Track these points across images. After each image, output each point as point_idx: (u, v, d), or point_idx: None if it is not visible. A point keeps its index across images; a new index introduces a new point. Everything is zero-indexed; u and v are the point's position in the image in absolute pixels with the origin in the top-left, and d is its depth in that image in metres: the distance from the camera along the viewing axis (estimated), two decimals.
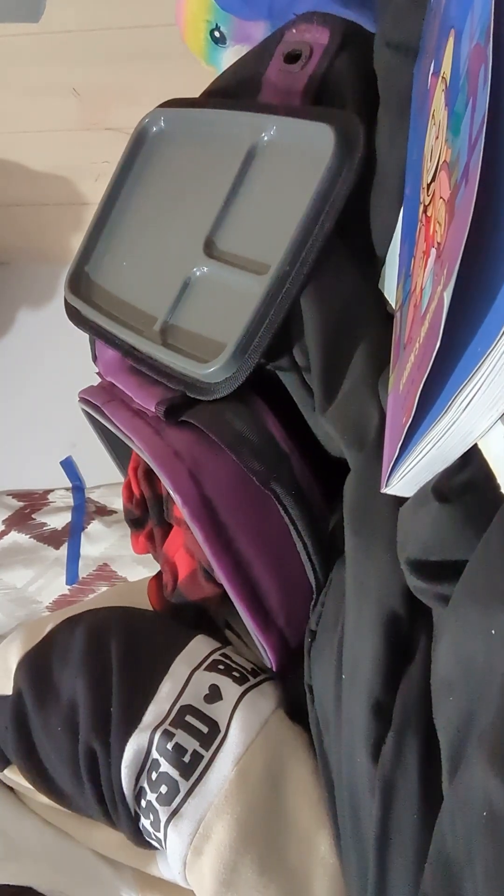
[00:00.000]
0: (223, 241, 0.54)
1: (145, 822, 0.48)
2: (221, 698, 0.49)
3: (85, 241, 0.61)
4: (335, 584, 0.47)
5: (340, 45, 0.54)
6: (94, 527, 1.34)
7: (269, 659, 0.51)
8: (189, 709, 0.48)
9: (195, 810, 0.45)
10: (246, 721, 0.48)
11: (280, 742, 0.48)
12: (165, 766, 0.46)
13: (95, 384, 0.62)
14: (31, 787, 0.53)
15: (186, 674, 0.50)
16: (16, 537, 1.35)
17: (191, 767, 0.46)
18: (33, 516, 1.36)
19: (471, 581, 0.32)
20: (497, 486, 0.31)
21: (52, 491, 1.39)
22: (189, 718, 0.48)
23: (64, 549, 1.33)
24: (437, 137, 0.39)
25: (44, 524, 1.35)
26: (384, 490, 0.36)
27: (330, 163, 0.47)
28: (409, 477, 0.34)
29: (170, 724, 0.48)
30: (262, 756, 0.47)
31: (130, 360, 0.56)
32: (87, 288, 0.61)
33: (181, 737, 0.47)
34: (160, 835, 0.47)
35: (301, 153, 0.50)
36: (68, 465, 1.40)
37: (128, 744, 0.47)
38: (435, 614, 0.39)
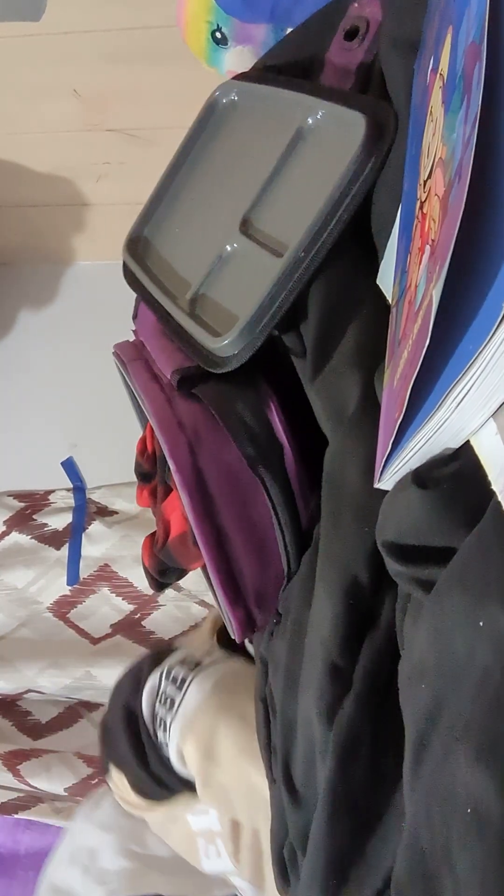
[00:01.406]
0: (257, 220, 0.55)
1: (161, 735, 0.70)
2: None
3: (147, 205, 0.63)
4: (300, 573, 0.51)
5: None
6: (95, 527, 1.34)
7: (233, 630, 0.55)
8: (179, 661, 0.72)
9: (185, 711, 0.68)
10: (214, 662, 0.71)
11: (236, 680, 0.70)
12: (166, 689, 0.70)
13: (130, 340, 0.65)
14: (139, 802, 0.75)
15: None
16: (17, 538, 1.35)
17: (179, 687, 0.69)
18: (34, 517, 1.36)
19: (461, 572, 0.32)
20: (485, 481, 0.31)
21: (52, 492, 1.39)
22: (178, 665, 0.72)
23: (65, 550, 1.33)
24: (434, 134, 0.39)
25: (45, 525, 1.35)
26: (377, 485, 0.36)
27: (357, 152, 0.47)
28: (401, 472, 0.34)
29: (168, 668, 0.72)
30: (230, 681, 0.69)
31: (164, 325, 0.58)
32: (143, 250, 0.63)
33: (175, 670, 0.71)
34: (168, 735, 0.69)
35: (338, 140, 0.50)
36: (69, 466, 1.40)
37: (147, 682, 0.71)
38: (402, 596, 0.40)
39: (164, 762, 0.70)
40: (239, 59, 0.81)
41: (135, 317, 0.68)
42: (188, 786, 0.70)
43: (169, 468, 0.60)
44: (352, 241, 0.49)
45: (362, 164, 0.47)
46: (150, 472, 0.65)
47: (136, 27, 1.08)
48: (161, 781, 0.71)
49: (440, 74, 0.39)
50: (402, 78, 0.49)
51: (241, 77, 0.61)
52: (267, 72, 0.61)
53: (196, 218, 0.60)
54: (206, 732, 0.66)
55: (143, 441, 0.65)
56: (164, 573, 0.62)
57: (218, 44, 0.82)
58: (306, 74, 0.58)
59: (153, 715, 0.70)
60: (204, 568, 0.60)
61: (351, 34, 0.56)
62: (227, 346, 0.51)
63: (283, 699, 0.49)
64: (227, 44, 0.82)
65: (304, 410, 0.52)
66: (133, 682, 0.73)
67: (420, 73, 0.46)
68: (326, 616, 0.43)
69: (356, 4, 0.57)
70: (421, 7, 0.47)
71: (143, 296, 0.61)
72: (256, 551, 0.52)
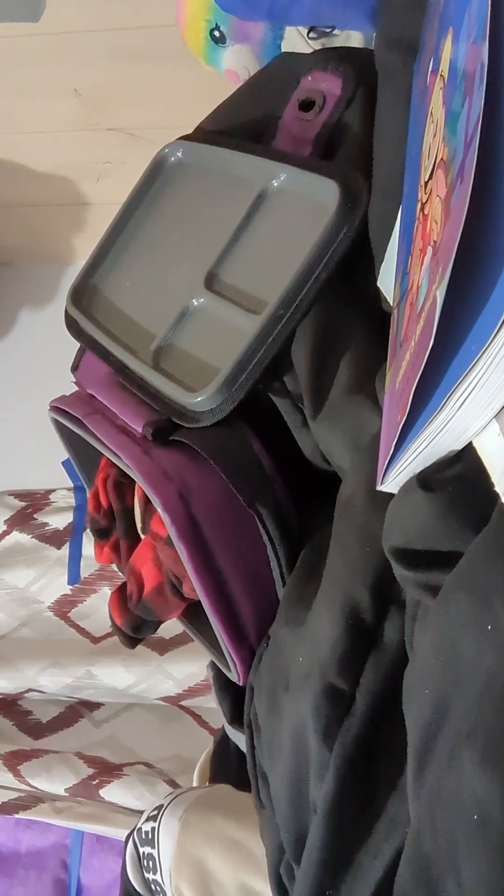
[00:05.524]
0: (224, 277, 0.55)
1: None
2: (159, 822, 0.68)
3: (93, 256, 0.62)
4: (286, 596, 0.51)
5: (352, 95, 0.55)
6: None
7: (236, 673, 0.54)
8: (147, 816, 0.69)
9: (165, 861, 0.65)
10: (170, 817, 0.66)
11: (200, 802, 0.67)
12: (143, 850, 0.66)
13: (69, 394, 0.63)
14: None
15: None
16: (18, 537, 1.35)
17: (152, 842, 0.66)
18: (35, 516, 1.36)
19: (469, 575, 0.32)
20: (488, 483, 0.31)
21: (53, 491, 1.39)
22: (145, 821, 0.68)
23: (65, 549, 1.33)
24: (434, 135, 0.39)
25: (45, 524, 1.36)
26: (379, 487, 0.36)
27: (332, 219, 0.49)
28: (404, 475, 0.34)
29: (137, 828, 0.69)
30: (194, 812, 0.65)
31: (121, 377, 0.57)
32: (89, 300, 0.62)
33: (143, 826, 0.68)
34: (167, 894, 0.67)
35: (307, 204, 0.52)
36: (70, 466, 1.40)
37: (126, 855, 0.69)
38: (412, 603, 0.40)
39: None
40: (237, 57, 0.81)
41: (74, 368, 0.66)
42: None
43: (130, 519, 0.60)
44: (334, 273, 0.50)
45: (336, 230, 0.49)
46: (108, 528, 0.63)
47: (136, 27, 1.08)
48: None
49: (441, 75, 0.39)
50: (396, 77, 0.49)
51: (189, 137, 0.62)
52: (215, 134, 0.62)
53: (151, 271, 0.60)
54: (194, 871, 0.62)
55: (94, 497, 0.62)
56: (139, 628, 0.60)
57: (216, 42, 0.82)
58: (258, 139, 0.59)
59: (146, 883, 0.66)
60: (182, 616, 0.59)
61: (306, 105, 0.57)
62: (203, 401, 0.51)
63: (266, 720, 0.49)
64: (225, 42, 0.82)
65: (278, 446, 0.53)
66: (121, 862, 0.69)
67: (419, 74, 0.46)
68: (325, 636, 0.42)
69: (309, 78, 0.58)
70: (415, 9, 0.47)
71: (93, 347, 0.60)
72: (252, 588, 0.52)
